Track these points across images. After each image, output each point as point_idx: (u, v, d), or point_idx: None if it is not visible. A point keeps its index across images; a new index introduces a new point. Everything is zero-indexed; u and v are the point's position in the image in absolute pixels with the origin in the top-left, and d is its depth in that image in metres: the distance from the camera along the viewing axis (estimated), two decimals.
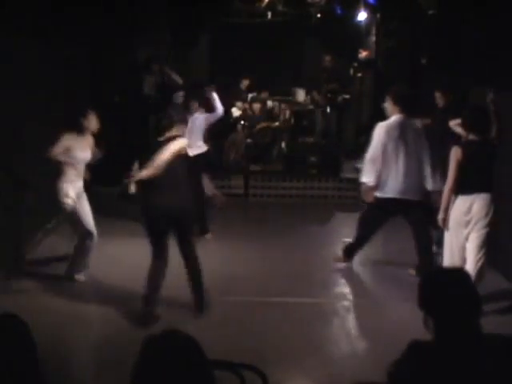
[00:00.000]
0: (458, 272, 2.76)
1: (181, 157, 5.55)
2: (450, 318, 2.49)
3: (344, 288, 6.69)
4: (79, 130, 6.37)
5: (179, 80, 11.00)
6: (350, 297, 6.40)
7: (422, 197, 6.56)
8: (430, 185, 6.53)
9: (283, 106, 11.16)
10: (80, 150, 6.39)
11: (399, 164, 6.49)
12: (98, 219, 7.83)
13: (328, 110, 11.33)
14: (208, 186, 8.32)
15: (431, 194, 6.53)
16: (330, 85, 11.30)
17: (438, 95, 7.76)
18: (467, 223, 5.63)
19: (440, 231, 6.13)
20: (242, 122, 10.73)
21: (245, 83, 11.14)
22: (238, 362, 2.92)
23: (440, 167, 6.49)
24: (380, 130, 6.56)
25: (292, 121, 11.07)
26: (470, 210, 5.62)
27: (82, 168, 6.54)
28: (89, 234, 6.50)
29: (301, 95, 11.53)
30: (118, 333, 5.44)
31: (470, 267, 5.57)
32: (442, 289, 2.56)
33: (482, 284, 5.25)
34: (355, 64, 11.30)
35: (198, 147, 7.76)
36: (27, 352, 1.91)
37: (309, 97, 11.59)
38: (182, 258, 5.69)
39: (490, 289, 5.79)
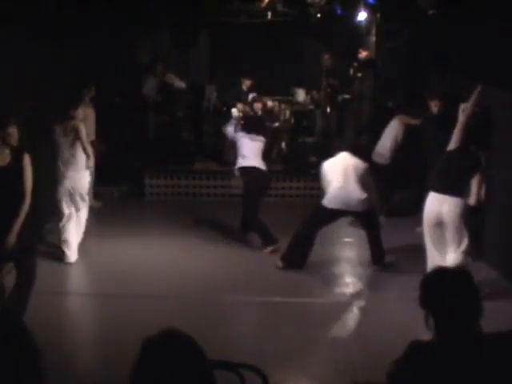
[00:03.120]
0: (460, 272, 2.76)
1: None
2: (450, 318, 2.49)
3: (344, 288, 6.69)
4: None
5: (182, 85, 11.00)
6: (350, 297, 6.40)
7: None
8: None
9: (283, 105, 11.15)
10: None
11: None
12: (98, 219, 7.88)
13: (328, 109, 11.33)
14: None
15: None
16: (330, 80, 11.28)
17: (433, 103, 7.80)
18: (439, 223, 5.91)
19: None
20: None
21: (246, 83, 11.13)
22: (237, 362, 2.92)
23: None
24: None
25: (292, 121, 11.06)
26: (439, 210, 5.89)
27: None
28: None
29: (301, 95, 11.52)
30: (118, 332, 5.44)
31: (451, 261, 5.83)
32: (443, 288, 2.56)
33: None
34: (355, 64, 11.28)
35: None
36: (27, 352, 1.90)
37: (309, 97, 11.58)
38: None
39: (487, 286, 5.80)
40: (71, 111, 6.95)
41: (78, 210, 7.18)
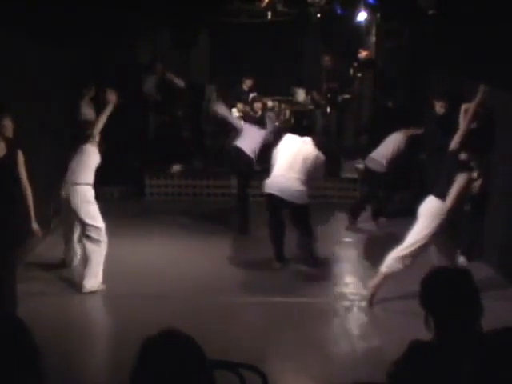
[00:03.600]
0: (460, 271, 2.76)
1: None
2: (450, 318, 2.49)
3: (344, 288, 6.69)
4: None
5: (181, 83, 11.00)
6: (350, 297, 6.40)
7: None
8: None
9: (283, 105, 11.16)
10: None
11: None
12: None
13: (328, 109, 11.33)
14: None
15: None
16: (330, 84, 11.29)
17: (439, 104, 7.67)
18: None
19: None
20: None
21: (247, 83, 11.14)
22: (237, 362, 2.92)
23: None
24: None
25: (292, 121, 11.06)
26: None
27: None
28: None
29: (301, 95, 11.53)
30: (118, 332, 5.44)
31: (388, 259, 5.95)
32: (443, 288, 2.56)
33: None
34: (355, 64, 11.29)
35: None
36: (27, 352, 1.91)
37: (309, 97, 11.59)
38: None
39: (487, 286, 5.79)
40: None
41: (83, 234, 6.38)
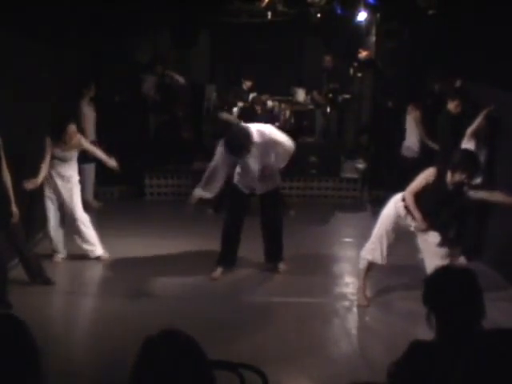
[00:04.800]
0: (464, 271, 2.76)
1: None
2: (452, 317, 2.49)
3: (344, 288, 6.69)
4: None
5: (182, 80, 11.00)
6: (350, 297, 6.40)
7: None
8: None
9: (283, 105, 11.15)
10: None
11: None
12: (99, 218, 7.87)
13: (328, 109, 11.33)
14: None
15: None
16: (331, 84, 11.30)
17: (454, 103, 7.53)
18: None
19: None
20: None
21: (247, 84, 11.14)
22: (237, 362, 2.92)
23: None
24: None
25: (292, 121, 11.06)
26: None
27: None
28: None
29: (301, 95, 11.53)
30: (118, 332, 5.44)
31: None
32: (446, 287, 2.56)
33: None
34: (355, 64, 11.29)
35: None
36: (27, 352, 1.91)
37: (309, 97, 11.59)
38: None
39: (487, 286, 5.79)
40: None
41: None
